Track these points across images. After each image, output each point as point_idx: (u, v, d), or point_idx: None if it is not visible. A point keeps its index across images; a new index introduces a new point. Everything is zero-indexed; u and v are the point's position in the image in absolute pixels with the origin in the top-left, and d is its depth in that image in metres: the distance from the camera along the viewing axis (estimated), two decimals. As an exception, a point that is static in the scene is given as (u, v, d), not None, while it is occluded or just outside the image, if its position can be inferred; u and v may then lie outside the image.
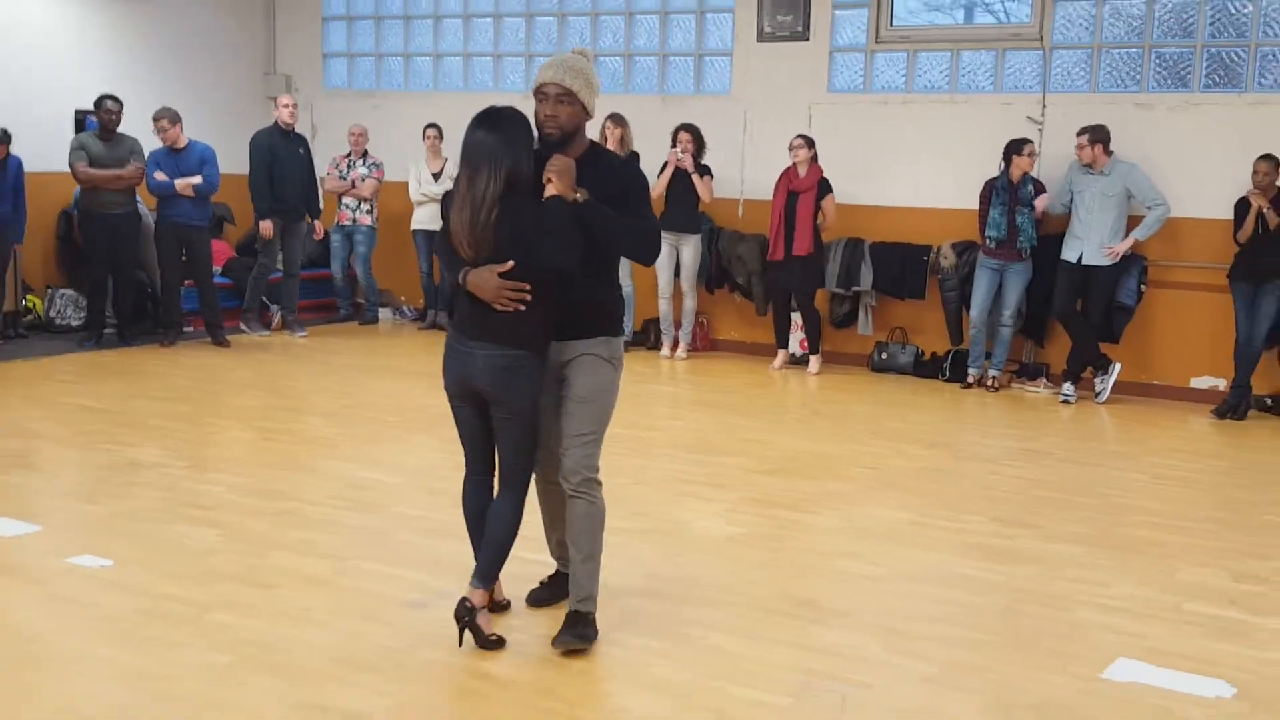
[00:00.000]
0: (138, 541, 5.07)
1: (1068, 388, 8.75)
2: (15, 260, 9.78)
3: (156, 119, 9.74)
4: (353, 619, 4.17)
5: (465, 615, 3.91)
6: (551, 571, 4.48)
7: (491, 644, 3.96)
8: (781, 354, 9.70)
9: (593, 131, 9.87)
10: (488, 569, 3.99)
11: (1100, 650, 4.20)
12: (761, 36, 10.15)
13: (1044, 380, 9.16)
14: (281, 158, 10.19)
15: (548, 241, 3.75)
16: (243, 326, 10.48)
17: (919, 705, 3.73)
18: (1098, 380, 8.77)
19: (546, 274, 3.80)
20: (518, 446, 3.98)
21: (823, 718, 3.63)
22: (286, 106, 10.29)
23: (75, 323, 10.31)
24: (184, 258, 9.87)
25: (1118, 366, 8.73)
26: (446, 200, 3.97)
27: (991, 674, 3.98)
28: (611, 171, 4.05)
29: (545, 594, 4.41)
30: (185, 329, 10.14)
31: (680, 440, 7.39)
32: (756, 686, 3.81)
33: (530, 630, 4.22)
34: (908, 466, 6.75)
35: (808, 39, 9.98)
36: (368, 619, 4.23)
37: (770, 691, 3.78)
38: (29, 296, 10.24)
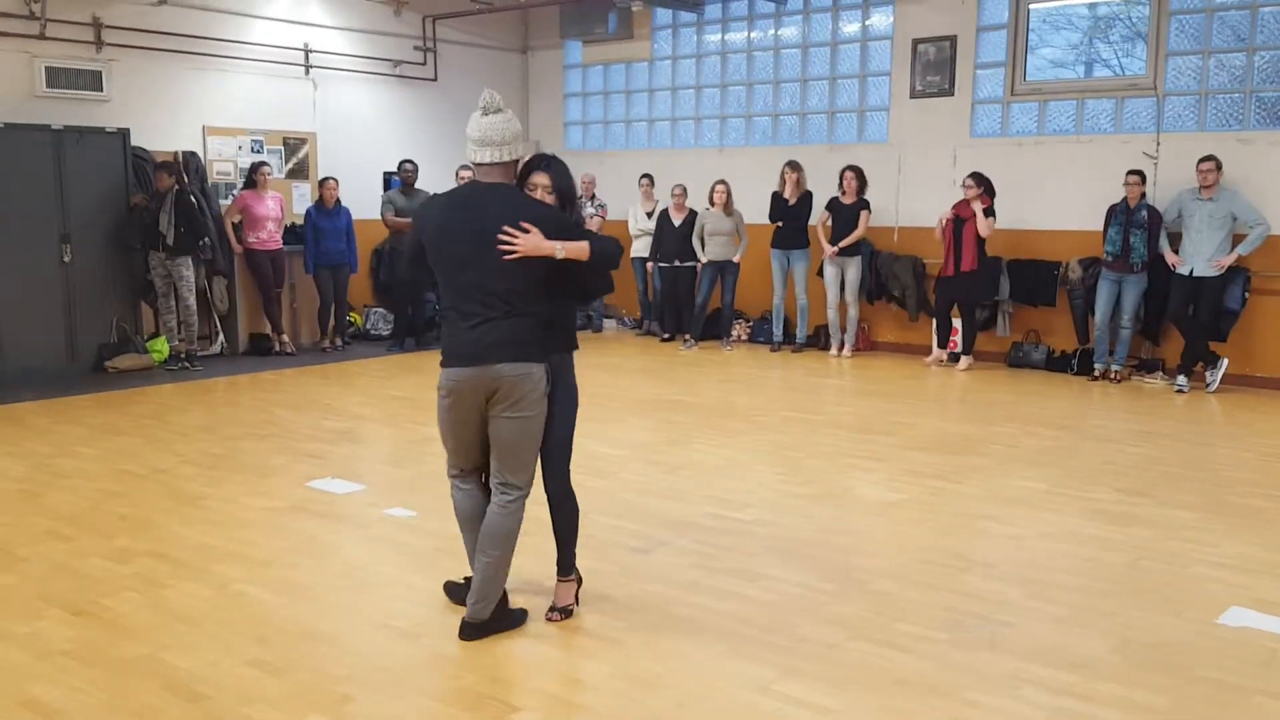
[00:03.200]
0: (433, 497, 5.24)
1: (1181, 380, 8.22)
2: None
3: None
4: (590, 560, 4.20)
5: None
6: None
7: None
8: (939, 351, 9.45)
9: (772, 176, 9.97)
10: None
11: (1213, 599, 3.94)
12: (914, 94, 9.89)
13: (1160, 373, 8.62)
14: None
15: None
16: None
17: (1055, 642, 3.58)
18: (1208, 373, 8.22)
19: None
20: None
21: (975, 649, 3.51)
22: (527, 165, 10.51)
23: (384, 333, 10.83)
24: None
25: (1225, 361, 8.17)
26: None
27: (1117, 618, 3.78)
28: None
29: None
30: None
31: (845, 422, 7.26)
32: (917, 622, 3.72)
33: (733, 581, 4.21)
34: (1040, 445, 6.46)
35: (953, 94, 9.67)
36: (602, 560, 4.30)
37: (929, 627, 3.68)
38: (351, 313, 10.79)
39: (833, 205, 9.75)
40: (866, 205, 9.63)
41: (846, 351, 9.89)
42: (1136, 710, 3.10)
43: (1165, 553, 4.48)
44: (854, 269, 9.72)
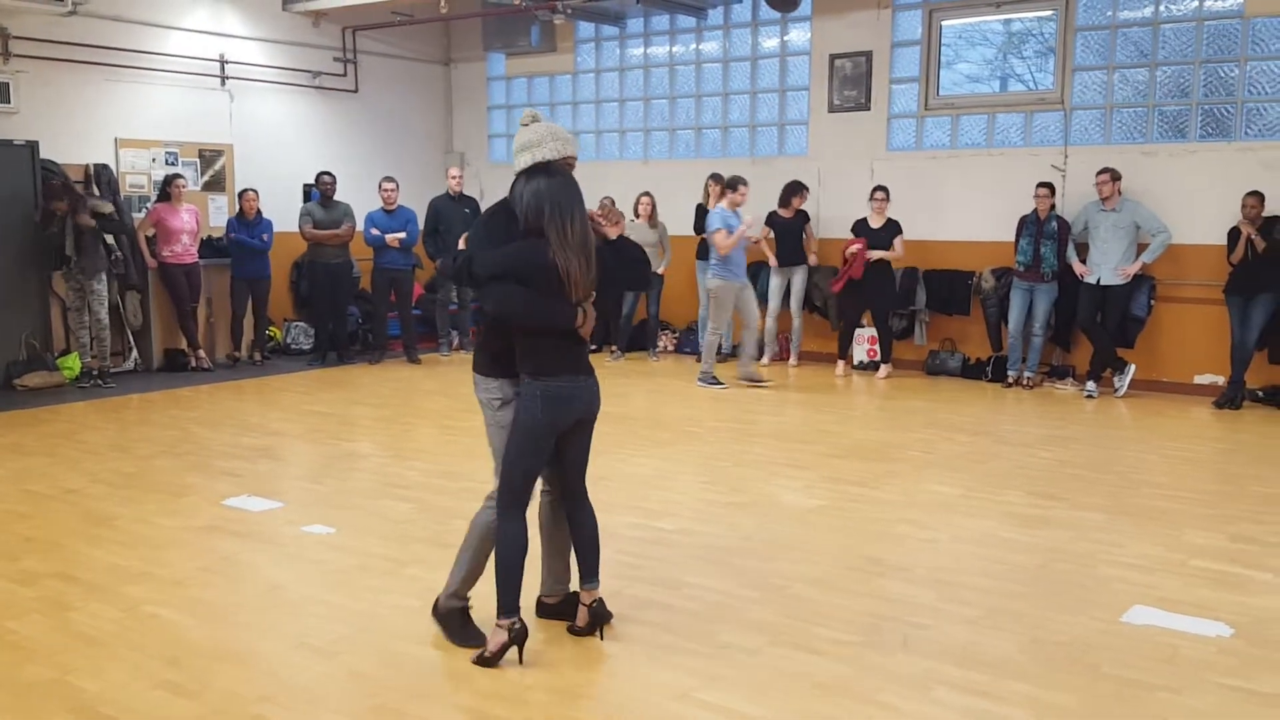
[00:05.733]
0: (354, 513, 5.21)
1: (1090, 385, 8.48)
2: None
3: (386, 182, 10.00)
4: (515, 572, 4.20)
5: (606, 615, 3.63)
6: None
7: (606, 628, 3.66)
8: (842, 364, 9.59)
9: (697, 189, 10.05)
10: (598, 567, 3.65)
11: (1118, 599, 4.07)
12: (832, 108, 10.06)
13: (1070, 379, 8.88)
14: (447, 217, 10.04)
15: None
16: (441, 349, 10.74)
17: (967, 642, 3.66)
18: (1116, 379, 8.49)
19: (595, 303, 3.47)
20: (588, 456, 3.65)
21: (890, 652, 3.57)
22: (454, 178, 10.38)
23: (305, 347, 10.65)
24: (391, 295, 10.15)
25: (1132, 367, 8.45)
26: (500, 251, 3.35)
27: (1027, 618, 3.88)
28: None
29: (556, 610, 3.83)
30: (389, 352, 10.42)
31: (769, 431, 7.34)
32: (834, 626, 3.78)
33: (658, 587, 4.22)
34: (956, 450, 6.60)
35: (869, 109, 9.86)
36: (527, 573, 4.26)
37: (845, 630, 3.74)
38: (271, 328, 10.59)
39: (773, 220, 9.80)
40: (807, 217, 9.75)
41: (793, 360, 9.96)
42: (1045, 708, 3.18)
43: (1074, 554, 4.61)
44: (800, 278, 9.79)
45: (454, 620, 3.64)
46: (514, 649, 3.44)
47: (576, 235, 3.34)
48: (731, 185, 8.73)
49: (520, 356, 3.45)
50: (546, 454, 3.49)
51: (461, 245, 3.63)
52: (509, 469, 3.46)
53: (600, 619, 3.63)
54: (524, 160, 3.46)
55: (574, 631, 3.66)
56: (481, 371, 3.59)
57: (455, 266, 3.48)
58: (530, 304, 3.34)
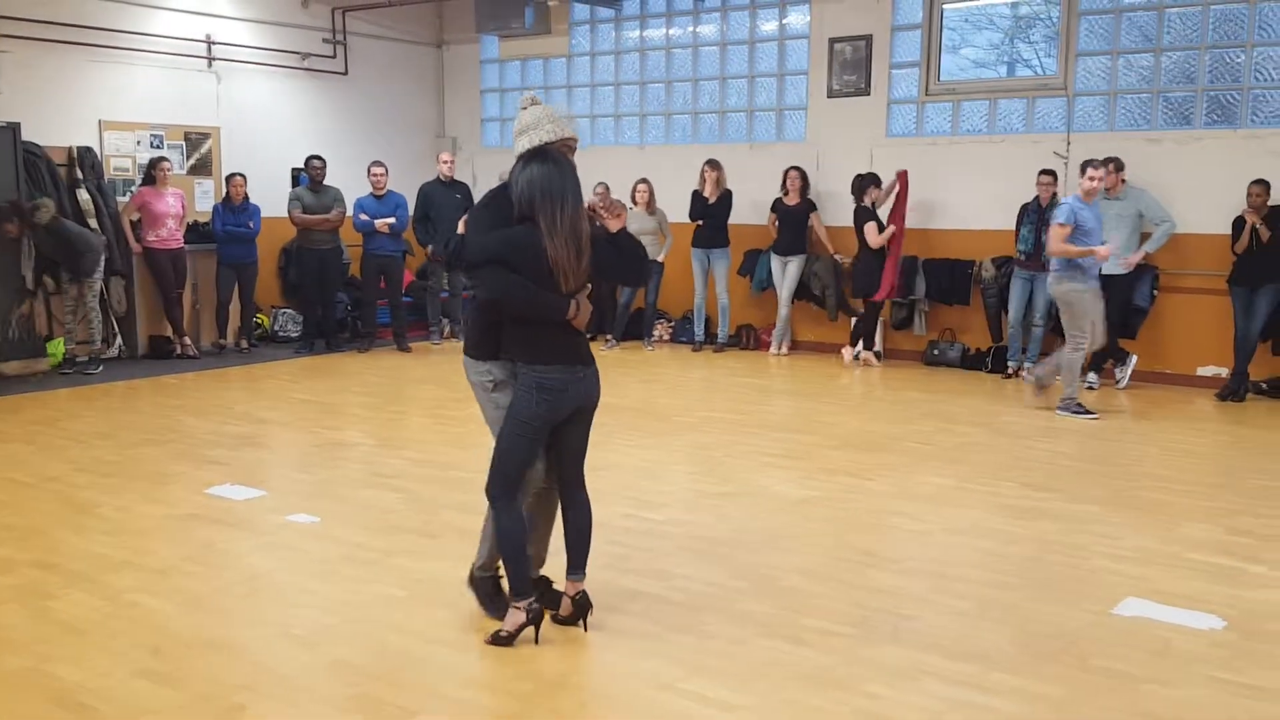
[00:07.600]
0: (338, 503, 5.25)
1: (1092, 376, 8.51)
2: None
3: (375, 166, 10.03)
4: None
5: (588, 606, 3.65)
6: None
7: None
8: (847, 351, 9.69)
9: (693, 175, 10.08)
10: (585, 559, 3.68)
11: (1111, 591, 4.11)
12: (831, 93, 10.08)
13: (1071, 370, 8.92)
14: (438, 202, 10.00)
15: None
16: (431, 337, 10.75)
17: (957, 633, 3.70)
18: (1117, 370, 8.54)
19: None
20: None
21: (879, 643, 3.62)
22: (445, 162, 10.34)
23: (293, 334, 10.67)
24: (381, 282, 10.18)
25: (1134, 358, 8.49)
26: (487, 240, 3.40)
27: (1018, 610, 3.92)
28: None
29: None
30: (378, 340, 10.44)
31: (763, 422, 7.36)
32: (824, 617, 3.82)
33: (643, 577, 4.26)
34: (952, 442, 6.64)
35: (869, 94, 9.88)
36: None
37: (836, 622, 3.78)
38: (258, 315, 10.61)
39: (778, 207, 9.85)
40: (813, 206, 9.79)
41: (784, 350, 10.01)
42: (1031, 699, 3.23)
43: (1067, 546, 4.65)
44: (795, 267, 9.82)
45: (485, 588, 3.78)
46: (531, 629, 3.54)
47: (566, 223, 3.36)
48: (1089, 166, 7.23)
49: (512, 342, 3.50)
50: (540, 445, 3.55)
51: (460, 229, 3.70)
52: (502, 457, 3.52)
53: (583, 610, 3.66)
54: (522, 144, 3.50)
55: (557, 621, 3.70)
56: (473, 354, 3.66)
57: (449, 251, 3.56)
58: (522, 291, 3.37)
